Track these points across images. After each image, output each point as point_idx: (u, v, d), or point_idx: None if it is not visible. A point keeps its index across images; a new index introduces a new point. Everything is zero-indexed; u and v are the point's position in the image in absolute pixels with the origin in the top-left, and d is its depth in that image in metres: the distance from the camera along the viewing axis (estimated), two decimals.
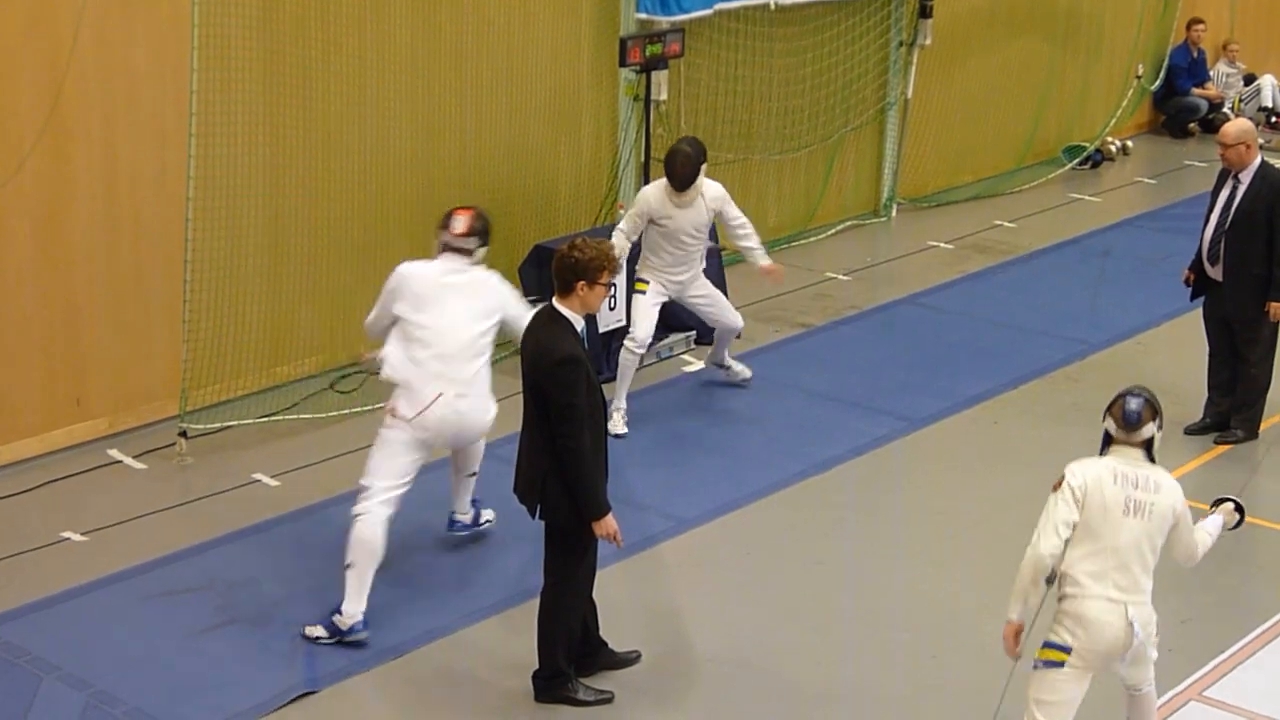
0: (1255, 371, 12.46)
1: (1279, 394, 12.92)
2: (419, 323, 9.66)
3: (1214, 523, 8.37)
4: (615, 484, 11.57)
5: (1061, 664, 7.73)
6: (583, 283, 8.49)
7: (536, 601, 8.98)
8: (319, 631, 9.49)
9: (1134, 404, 7.80)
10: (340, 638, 9.43)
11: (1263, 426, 12.60)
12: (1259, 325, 12.27)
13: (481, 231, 9.90)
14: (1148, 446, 7.84)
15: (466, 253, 9.85)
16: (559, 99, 14.46)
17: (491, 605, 9.94)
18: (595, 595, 9.09)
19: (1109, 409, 7.88)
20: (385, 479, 9.69)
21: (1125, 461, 7.78)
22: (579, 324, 8.58)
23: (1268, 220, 12.01)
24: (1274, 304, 12.10)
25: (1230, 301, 12.27)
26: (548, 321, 8.60)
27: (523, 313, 9.63)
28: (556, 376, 8.37)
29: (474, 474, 10.54)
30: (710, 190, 12.44)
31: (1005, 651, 7.90)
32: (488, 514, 10.80)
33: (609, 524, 8.54)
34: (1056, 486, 7.80)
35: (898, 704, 9.16)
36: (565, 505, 8.58)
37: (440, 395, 9.62)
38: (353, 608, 9.44)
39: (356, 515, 9.60)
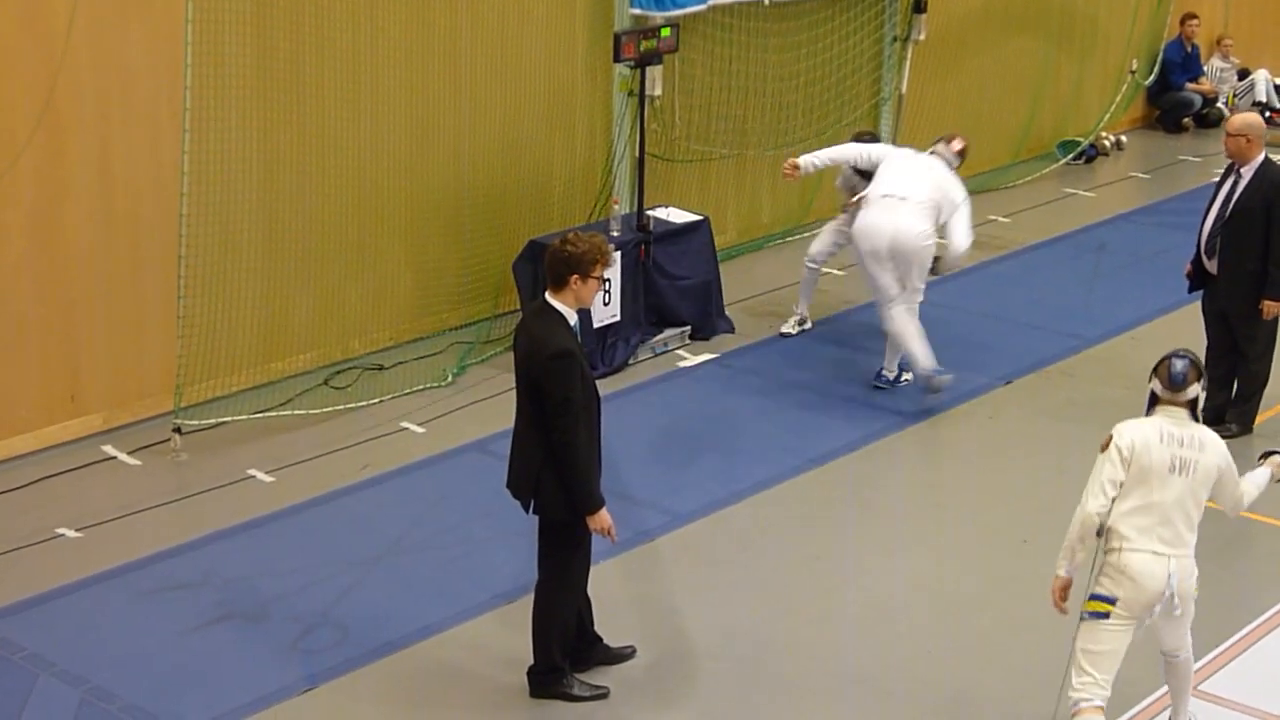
0: (1255, 368, 12.46)
1: (1275, 388, 12.94)
2: None
3: (1261, 475, 8.55)
4: (611, 478, 11.58)
5: (1107, 614, 7.98)
6: (576, 276, 8.48)
7: (531, 597, 8.98)
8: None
9: (1180, 365, 8.08)
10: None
11: (1259, 420, 12.60)
12: (1256, 321, 12.25)
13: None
14: (1192, 406, 8.10)
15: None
16: (553, 94, 14.45)
17: (487, 601, 9.93)
18: (591, 590, 9.09)
19: (1155, 370, 8.15)
20: None
21: (1171, 421, 8.04)
22: (572, 318, 8.57)
23: (1265, 217, 11.98)
24: (1268, 301, 12.09)
25: (1226, 297, 12.26)
26: (541, 315, 8.58)
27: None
28: (551, 371, 8.35)
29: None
30: None
31: (1053, 605, 8.18)
32: (907, 375, 13.20)
33: (603, 518, 8.54)
34: (1105, 446, 8.03)
35: (896, 697, 9.15)
36: (559, 500, 8.56)
37: None
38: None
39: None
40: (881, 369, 13.40)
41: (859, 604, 10.10)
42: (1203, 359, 12.39)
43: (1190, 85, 22.12)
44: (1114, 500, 7.96)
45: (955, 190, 13.01)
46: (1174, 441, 7.97)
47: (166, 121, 11.70)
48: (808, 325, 14.57)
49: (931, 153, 13.35)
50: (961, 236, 12.96)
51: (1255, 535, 11.09)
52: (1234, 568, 10.79)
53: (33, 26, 11.14)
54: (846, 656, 9.54)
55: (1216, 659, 9.46)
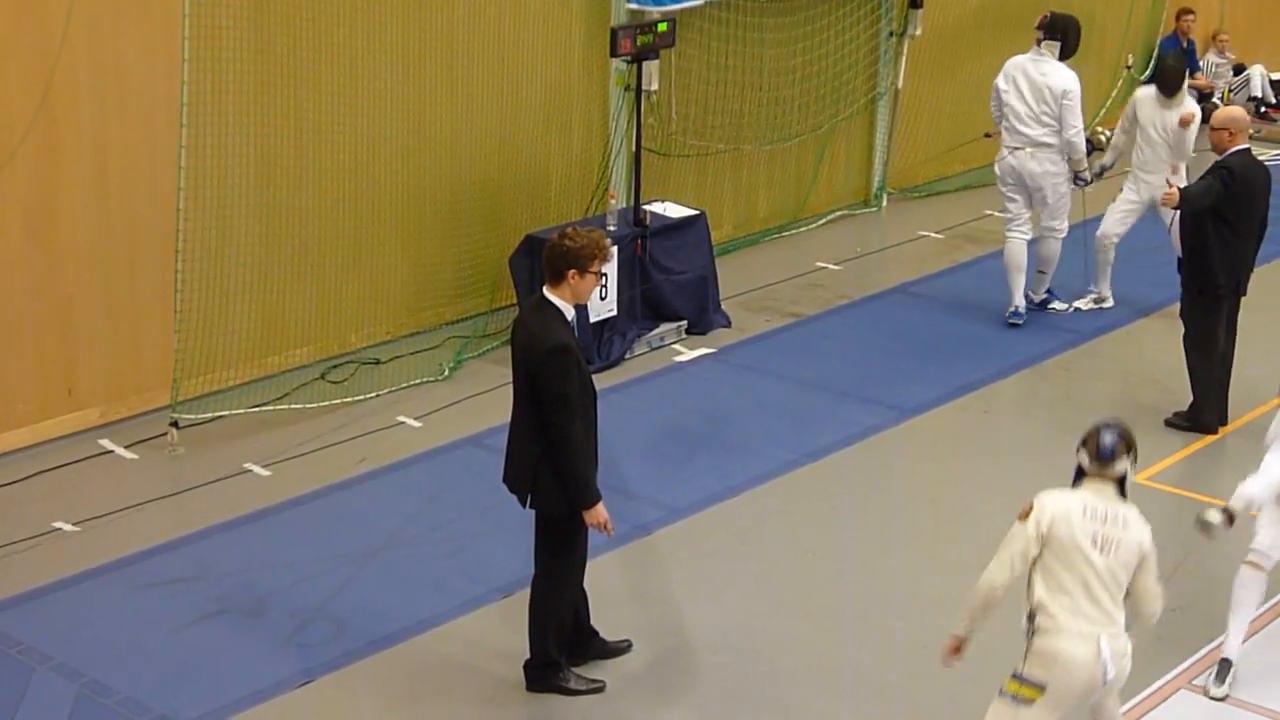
0: (1189, 359, 12.54)
1: (1264, 386, 12.98)
2: None
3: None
4: (607, 473, 11.58)
5: (1031, 702, 7.51)
6: (574, 271, 8.48)
7: (528, 591, 8.99)
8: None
9: (1108, 438, 7.60)
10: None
11: (1245, 419, 12.62)
12: (1188, 312, 12.40)
13: None
14: (1120, 482, 7.61)
15: None
16: (550, 89, 14.45)
17: (483, 595, 9.95)
18: (588, 583, 9.10)
19: (1083, 442, 7.67)
20: None
21: (1097, 496, 7.57)
22: (569, 313, 8.57)
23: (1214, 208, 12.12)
24: (1169, 194, 12.31)
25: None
26: (538, 310, 8.58)
27: None
28: (549, 365, 8.35)
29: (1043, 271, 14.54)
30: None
31: (941, 660, 7.95)
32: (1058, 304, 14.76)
33: (599, 513, 8.55)
34: (1024, 515, 7.59)
35: (891, 691, 9.18)
36: (556, 494, 8.57)
37: None
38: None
39: None
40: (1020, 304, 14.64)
41: (855, 599, 10.12)
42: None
43: (1187, 81, 22.11)
44: (1028, 574, 7.52)
45: None
46: (1096, 517, 7.48)
47: (163, 117, 11.70)
48: (1107, 303, 15.16)
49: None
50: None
51: (1248, 531, 11.10)
52: (1226, 562, 10.80)
53: (29, 22, 11.14)
54: (842, 651, 9.55)
55: (1211, 653, 9.47)
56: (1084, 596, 7.44)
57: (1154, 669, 9.18)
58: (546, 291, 8.56)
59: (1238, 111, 12.55)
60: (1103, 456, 7.58)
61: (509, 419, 8.74)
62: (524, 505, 8.74)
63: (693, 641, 9.57)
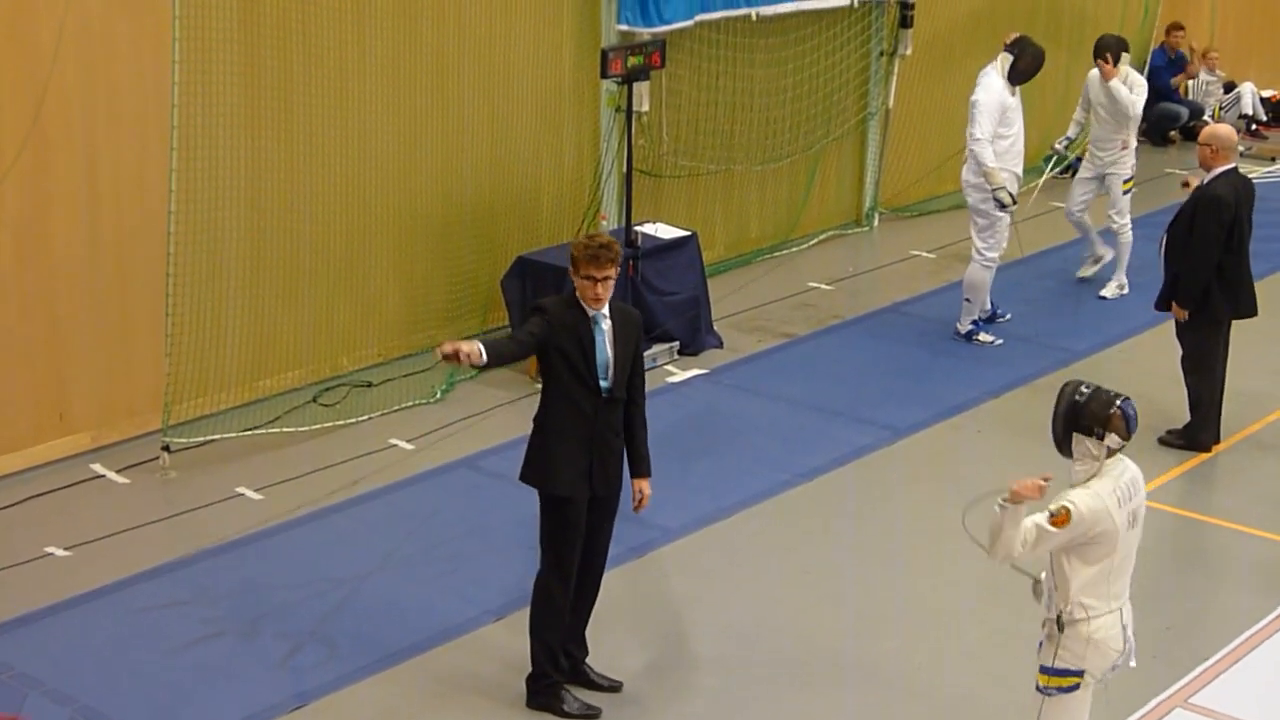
0: (1187, 381, 12.51)
1: (1258, 401, 13.01)
2: None
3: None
4: None
5: (1076, 687, 7.53)
6: (570, 271, 8.73)
7: (525, 612, 8.99)
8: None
9: (1132, 409, 7.48)
10: None
11: (1239, 436, 12.63)
12: (1182, 334, 12.36)
13: None
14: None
15: None
16: (541, 110, 14.46)
17: (477, 617, 9.92)
18: (599, 607, 9.10)
19: (1105, 423, 7.41)
20: None
21: (1118, 473, 7.45)
22: (590, 310, 8.72)
23: (1189, 224, 12.13)
24: (1175, 303, 12.23)
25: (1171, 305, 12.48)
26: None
27: None
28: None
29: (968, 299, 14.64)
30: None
31: (1034, 487, 7.35)
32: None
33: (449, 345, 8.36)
34: (1060, 522, 7.28)
35: (888, 710, 9.16)
36: (530, 465, 8.87)
37: None
38: None
39: None
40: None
41: (850, 617, 10.11)
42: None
43: (1173, 80, 22.15)
44: (1058, 569, 7.43)
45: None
46: (1125, 498, 7.40)
47: (154, 138, 11.69)
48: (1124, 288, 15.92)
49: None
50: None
51: (1242, 547, 11.12)
52: (1220, 580, 10.82)
53: (19, 44, 11.14)
54: (836, 670, 9.54)
55: (1206, 672, 9.47)
56: (1116, 578, 7.47)
57: (1150, 687, 9.16)
58: None
59: (1223, 129, 12.50)
60: (1133, 430, 7.49)
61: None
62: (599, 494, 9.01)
63: (688, 661, 9.56)
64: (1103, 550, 7.39)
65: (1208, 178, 12.17)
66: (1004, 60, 14.42)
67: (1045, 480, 7.34)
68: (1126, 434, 7.43)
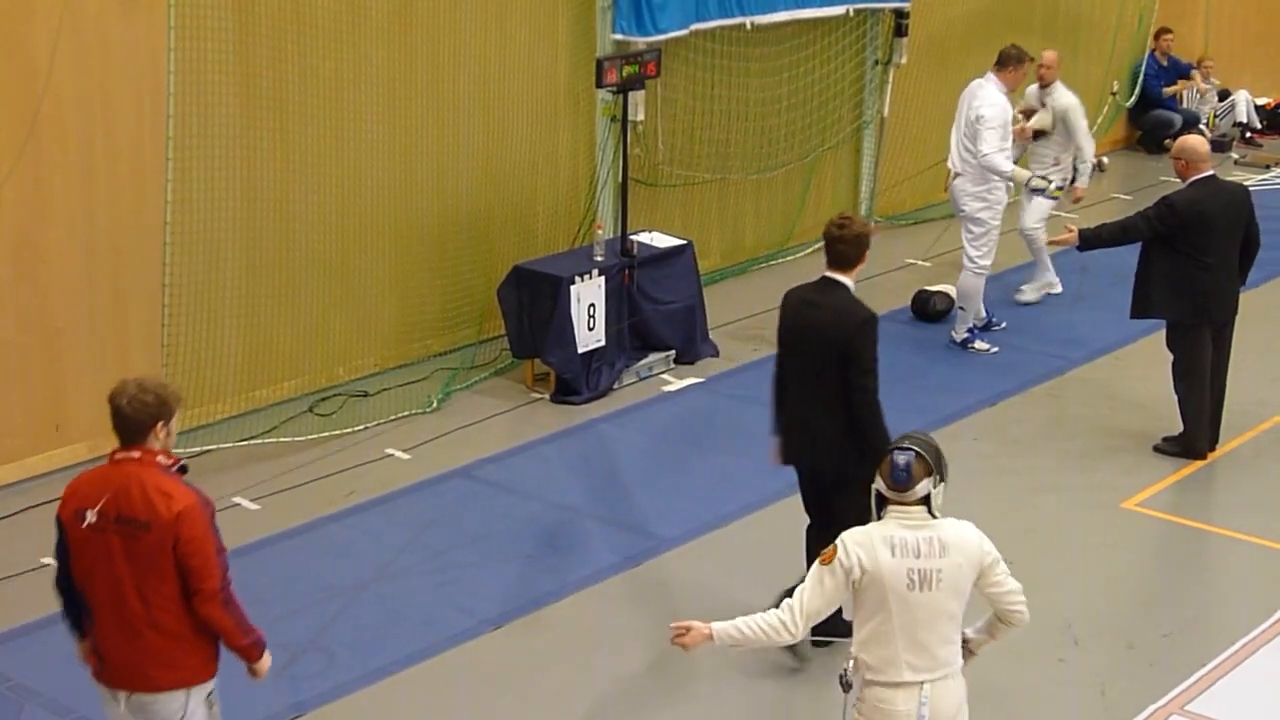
0: (1177, 391, 12.50)
1: (1255, 409, 13.01)
2: None
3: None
4: (596, 502, 11.64)
5: None
6: (865, 254, 9.37)
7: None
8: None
9: (902, 459, 6.77)
10: None
11: (1235, 444, 12.64)
12: (1171, 343, 12.40)
13: None
14: (926, 503, 6.82)
15: None
16: (536, 120, 14.47)
17: (474, 627, 9.92)
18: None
19: (878, 466, 6.89)
20: None
21: (901, 525, 6.80)
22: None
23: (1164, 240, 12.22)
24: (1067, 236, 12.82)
25: None
26: (828, 289, 9.37)
27: None
28: (863, 334, 9.14)
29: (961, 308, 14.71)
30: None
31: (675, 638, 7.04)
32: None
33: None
34: (826, 560, 6.85)
35: None
36: (852, 456, 9.07)
37: None
38: None
39: None
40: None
41: (846, 626, 10.09)
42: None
43: (1167, 90, 22.17)
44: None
45: None
46: (908, 551, 6.72)
47: (149, 150, 11.70)
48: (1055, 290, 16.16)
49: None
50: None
51: (1238, 555, 11.12)
52: (1217, 587, 10.82)
53: (14, 57, 11.14)
54: (831, 679, 9.51)
55: (1203, 678, 9.47)
56: (903, 645, 6.79)
57: (1147, 693, 9.17)
58: (833, 273, 9.35)
59: (1192, 140, 12.55)
60: (897, 480, 6.79)
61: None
62: (815, 473, 9.45)
63: (682, 672, 9.54)
64: (871, 605, 6.82)
65: (1181, 188, 12.25)
66: (996, 75, 14.63)
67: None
68: (889, 480, 6.81)
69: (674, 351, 14.17)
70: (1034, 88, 15.78)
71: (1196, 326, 12.20)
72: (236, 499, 11.52)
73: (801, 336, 9.34)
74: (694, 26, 15.21)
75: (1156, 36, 22.06)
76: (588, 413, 13.16)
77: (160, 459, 7.08)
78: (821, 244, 9.46)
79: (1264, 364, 14.16)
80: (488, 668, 9.50)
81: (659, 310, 13.98)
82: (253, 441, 12.27)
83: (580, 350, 13.22)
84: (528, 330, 13.37)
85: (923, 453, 6.80)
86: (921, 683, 6.80)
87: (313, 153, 12.74)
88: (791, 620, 6.90)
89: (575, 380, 13.25)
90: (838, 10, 16.76)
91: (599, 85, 13.69)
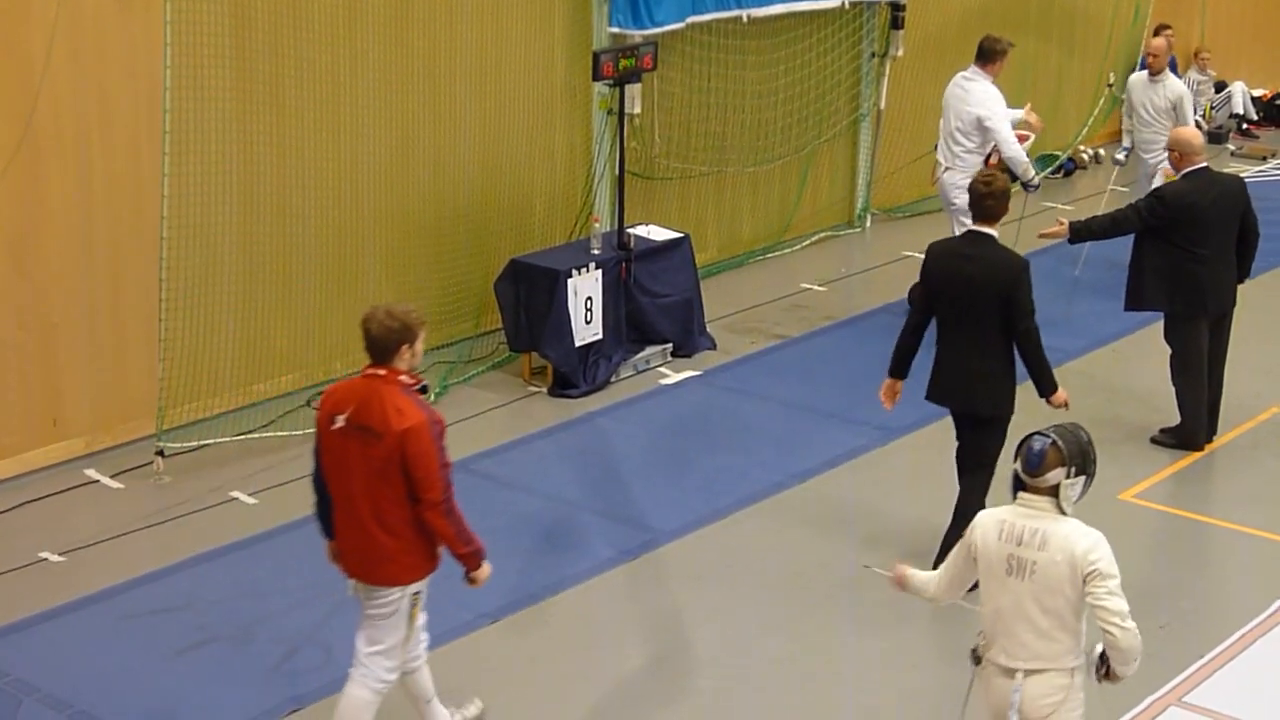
0: (1174, 383, 12.52)
1: (1253, 401, 13.01)
2: None
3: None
4: (593, 496, 11.63)
5: None
6: (1005, 208, 9.99)
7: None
8: None
9: (1038, 445, 6.96)
10: None
11: (1232, 435, 12.65)
12: (1169, 335, 12.43)
13: None
14: (1056, 493, 6.95)
15: None
16: (533, 114, 14.47)
17: (472, 620, 9.91)
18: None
19: (1018, 449, 7.10)
20: None
21: (1021, 512, 6.99)
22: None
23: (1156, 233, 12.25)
24: (1057, 228, 12.92)
25: None
26: (979, 241, 10.01)
27: None
28: (1023, 280, 9.90)
29: None
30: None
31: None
32: None
33: (1061, 395, 10.41)
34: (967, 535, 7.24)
35: (878, 712, 9.16)
36: (1008, 396, 10.17)
37: None
38: None
39: None
40: None
41: (841, 620, 10.11)
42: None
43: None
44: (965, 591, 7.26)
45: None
46: (1012, 538, 6.93)
47: (146, 145, 11.69)
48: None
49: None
50: None
51: (1235, 546, 11.13)
52: (1215, 578, 10.83)
53: (11, 53, 11.13)
54: (828, 673, 9.54)
55: (1201, 669, 9.48)
56: (999, 629, 7.03)
57: (1144, 685, 9.16)
58: (981, 226, 9.95)
59: (1185, 133, 12.60)
60: (1030, 466, 6.98)
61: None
62: (975, 410, 10.23)
63: (682, 666, 9.55)
64: (983, 583, 7.12)
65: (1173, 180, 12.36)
66: (983, 69, 14.88)
67: None
68: (1024, 466, 7.01)
69: (671, 344, 14.17)
70: (1143, 75, 16.06)
71: (1193, 319, 12.21)
72: (234, 493, 11.52)
73: (958, 286, 9.99)
74: (690, 19, 15.21)
75: (1156, 33, 21.99)
76: (585, 406, 13.16)
77: (403, 378, 7.83)
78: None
79: (1262, 356, 14.17)
80: (486, 662, 9.50)
81: (656, 303, 13.98)
82: (250, 436, 12.27)
83: (577, 344, 13.22)
84: (525, 324, 13.37)
85: (1060, 442, 6.95)
86: (1014, 670, 7.00)
87: (309, 148, 12.74)
88: (936, 586, 7.44)
89: (572, 374, 13.26)
90: (834, 3, 16.76)
91: (595, 79, 13.69)
